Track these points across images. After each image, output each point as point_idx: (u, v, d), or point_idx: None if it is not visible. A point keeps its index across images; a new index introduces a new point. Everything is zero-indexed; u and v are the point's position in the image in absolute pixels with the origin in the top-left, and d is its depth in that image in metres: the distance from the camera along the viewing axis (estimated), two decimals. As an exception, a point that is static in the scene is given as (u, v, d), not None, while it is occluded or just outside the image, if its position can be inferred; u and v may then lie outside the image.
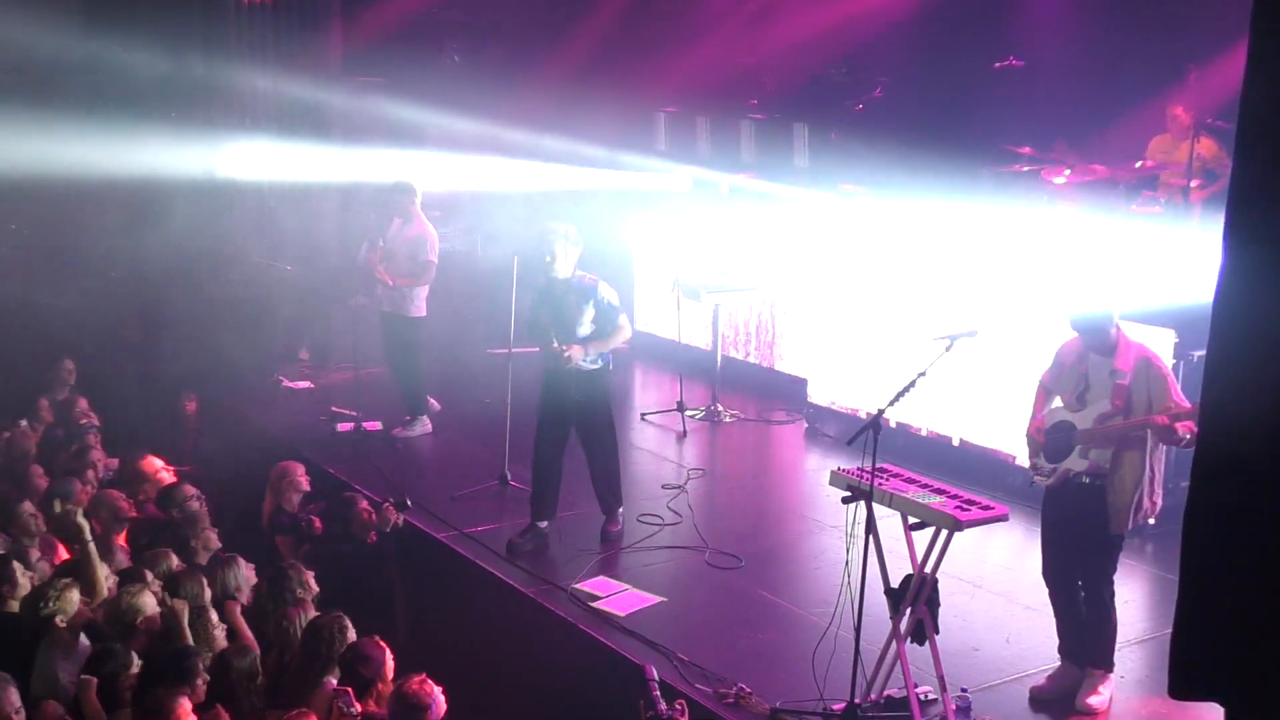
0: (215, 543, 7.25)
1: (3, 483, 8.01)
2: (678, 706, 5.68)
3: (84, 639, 5.84)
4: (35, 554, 6.75)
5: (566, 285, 7.85)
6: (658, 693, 5.83)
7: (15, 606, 6.00)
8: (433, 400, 10.54)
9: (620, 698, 6.00)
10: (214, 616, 5.97)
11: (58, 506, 7.19)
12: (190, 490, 7.66)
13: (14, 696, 5.01)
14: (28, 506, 7.19)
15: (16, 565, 6.17)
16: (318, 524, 7.69)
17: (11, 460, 8.41)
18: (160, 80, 12.05)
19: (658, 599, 7.29)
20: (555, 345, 7.80)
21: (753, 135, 12.01)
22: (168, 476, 8.22)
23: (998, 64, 10.70)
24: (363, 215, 11.30)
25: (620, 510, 8.29)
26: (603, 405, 8.12)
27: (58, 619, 5.74)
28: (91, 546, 6.47)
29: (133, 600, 5.91)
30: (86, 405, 9.60)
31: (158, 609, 5.91)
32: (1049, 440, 6.19)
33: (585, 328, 7.86)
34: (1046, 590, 6.33)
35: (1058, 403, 6.28)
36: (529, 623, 7.29)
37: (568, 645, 6.96)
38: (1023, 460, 8.72)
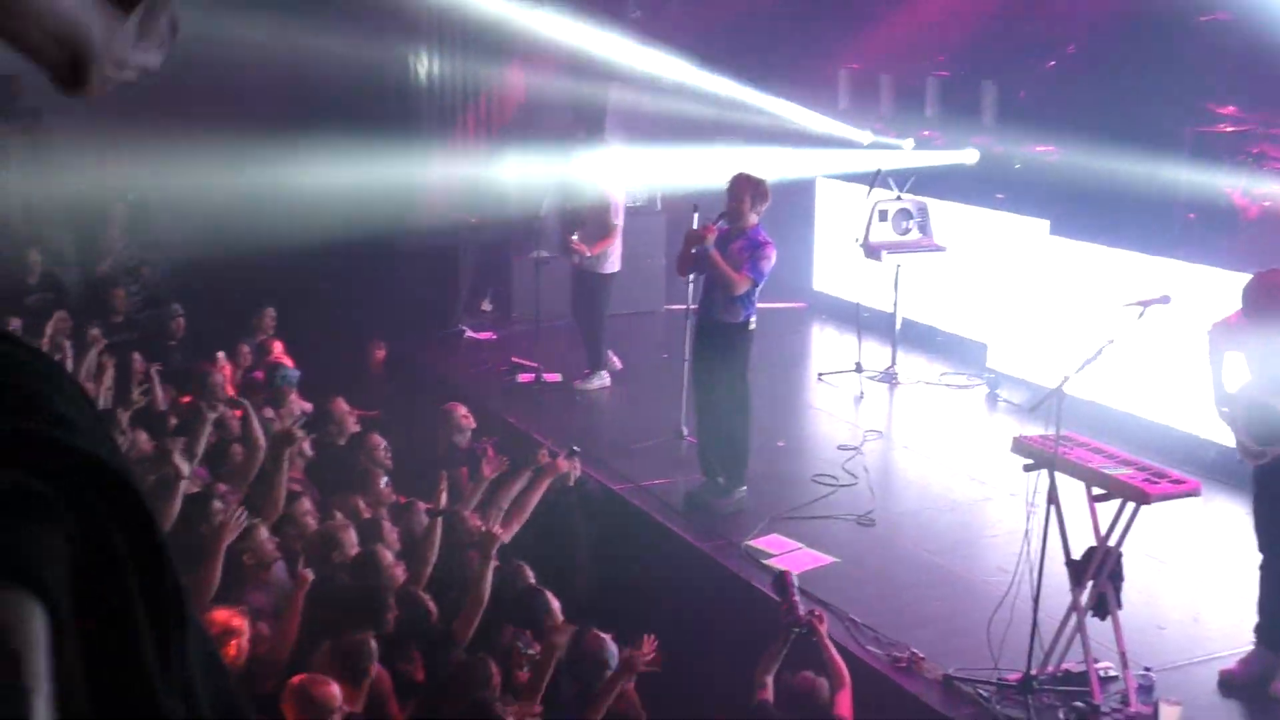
0: (389, 494, 7.46)
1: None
2: (816, 614, 5.76)
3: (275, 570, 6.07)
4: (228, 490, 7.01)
5: (742, 234, 7.79)
6: (797, 598, 5.93)
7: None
8: (614, 357, 10.64)
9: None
10: (389, 557, 6.15)
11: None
12: (377, 440, 7.91)
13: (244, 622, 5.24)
14: (237, 449, 7.48)
15: (216, 504, 6.40)
16: (490, 453, 7.79)
17: (205, 396, 8.74)
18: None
19: (830, 559, 7.27)
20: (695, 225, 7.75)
21: (938, 93, 11.72)
22: (354, 423, 8.49)
23: (1203, 16, 10.16)
24: (547, 168, 11.41)
25: (740, 490, 7.97)
26: (734, 364, 7.89)
27: (245, 556, 5.95)
28: (283, 485, 6.68)
29: (333, 535, 6.13)
30: (282, 349, 9.99)
31: (355, 547, 6.12)
32: (1253, 421, 5.88)
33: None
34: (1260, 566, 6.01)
35: (1242, 368, 5.97)
36: (701, 577, 7.35)
37: (739, 601, 7.00)
38: (1214, 437, 8.40)
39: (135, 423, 7.54)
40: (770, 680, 5.86)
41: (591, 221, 10.24)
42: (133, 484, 0.76)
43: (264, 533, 6.02)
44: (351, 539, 6.17)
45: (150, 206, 12.10)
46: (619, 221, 10.24)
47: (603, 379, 10.50)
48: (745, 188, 7.78)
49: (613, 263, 10.33)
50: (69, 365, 8.14)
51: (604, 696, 5.37)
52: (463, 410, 8.53)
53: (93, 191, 11.85)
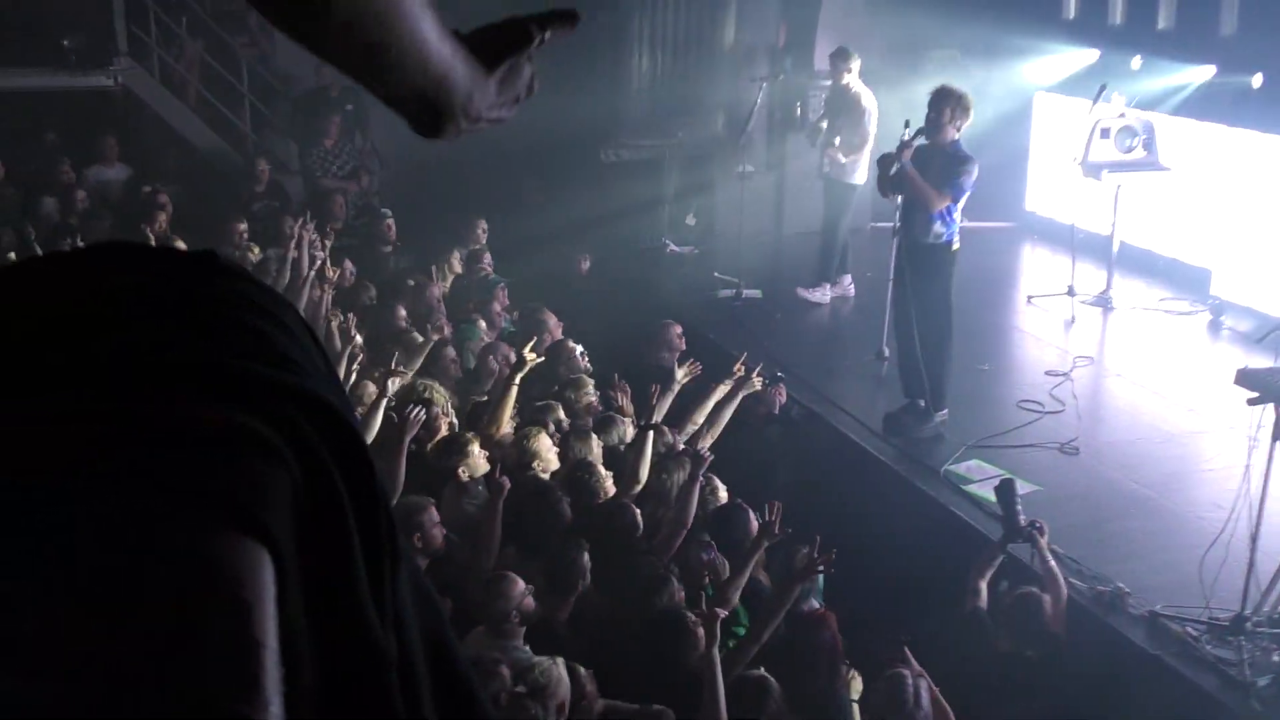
0: (596, 406, 7.54)
1: (416, 326, 8.65)
2: (1037, 524, 5.72)
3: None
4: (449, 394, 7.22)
5: (942, 150, 7.57)
6: (1020, 507, 5.90)
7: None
8: (848, 281, 10.52)
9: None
10: (600, 470, 6.27)
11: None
12: (573, 347, 8.03)
13: (434, 513, 5.44)
14: (450, 352, 7.70)
15: (440, 414, 6.59)
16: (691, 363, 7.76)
17: (419, 305, 9.01)
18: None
19: (1033, 487, 7.09)
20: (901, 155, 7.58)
21: (1173, 2, 11.07)
22: (559, 332, 8.63)
23: None
24: (751, 84, 11.27)
25: (941, 414, 7.80)
26: (936, 285, 7.67)
27: (460, 470, 6.11)
28: (507, 408, 6.72)
29: (529, 444, 6.27)
30: (489, 260, 10.22)
31: (553, 454, 6.25)
32: None
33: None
34: None
35: None
36: (899, 501, 7.28)
37: (938, 526, 6.92)
38: None
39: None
40: (984, 586, 5.84)
41: (847, 130, 10.08)
42: (354, 427, 0.78)
43: (476, 448, 6.16)
44: (550, 449, 6.27)
45: (367, 115, 12.47)
46: (873, 128, 10.07)
47: (824, 291, 10.42)
48: (947, 100, 7.52)
49: (859, 173, 10.18)
50: (298, 271, 8.52)
51: (744, 566, 5.46)
52: (678, 329, 8.58)
53: (313, 102, 12.28)
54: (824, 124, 10.53)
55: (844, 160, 10.16)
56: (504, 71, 1.04)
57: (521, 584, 4.86)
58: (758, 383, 7.56)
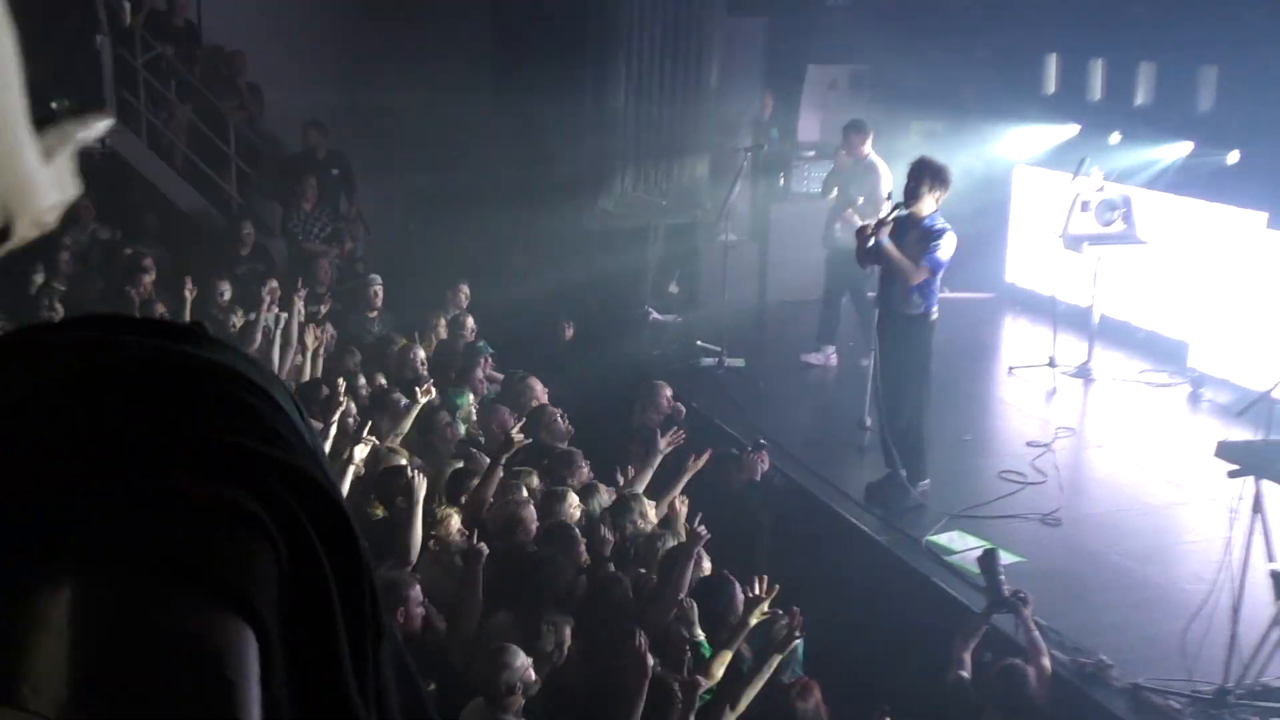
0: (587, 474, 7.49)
1: (397, 391, 8.61)
2: (1020, 594, 5.71)
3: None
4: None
5: (919, 222, 7.61)
6: (1003, 576, 5.88)
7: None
8: (830, 351, 10.63)
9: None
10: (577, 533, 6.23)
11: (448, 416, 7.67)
12: (554, 411, 8.01)
13: (418, 591, 5.39)
14: (444, 417, 7.65)
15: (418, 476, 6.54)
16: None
17: (401, 370, 8.98)
18: (555, 23, 12.56)
19: (1016, 558, 7.08)
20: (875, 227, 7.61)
21: (1152, 79, 11.24)
22: (544, 398, 8.62)
23: None
24: (735, 155, 11.39)
25: (923, 484, 7.82)
26: (914, 355, 7.70)
27: (430, 543, 6.02)
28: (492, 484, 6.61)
29: (514, 513, 6.22)
30: (473, 324, 10.21)
31: (534, 524, 6.19)
32: None
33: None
34: None
35: None
36: (881, 571, 7.26)
37: (919, 597, 6.89)
38: None
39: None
40: (968, 658, 5.81)
41: (865, 200, 10.14)
42: (339, 501, 0.78)
43: (455, 523, 6.09)
44: (531, 515, 6.23)
45: (354, 180, 12.55)
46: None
47: (824, 355, 10.57)
48: (925, 172, 7.57)
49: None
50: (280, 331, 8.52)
51: (733, 640, 5.45)
52: (668, 391, 8.60)
53: (298, 164, 12.36)
54: (833, 195, 10.60)
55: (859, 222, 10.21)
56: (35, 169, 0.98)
57: (524, 656, 4.81)
58: (750, 462, 7.65)
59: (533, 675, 4.80)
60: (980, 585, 6.26)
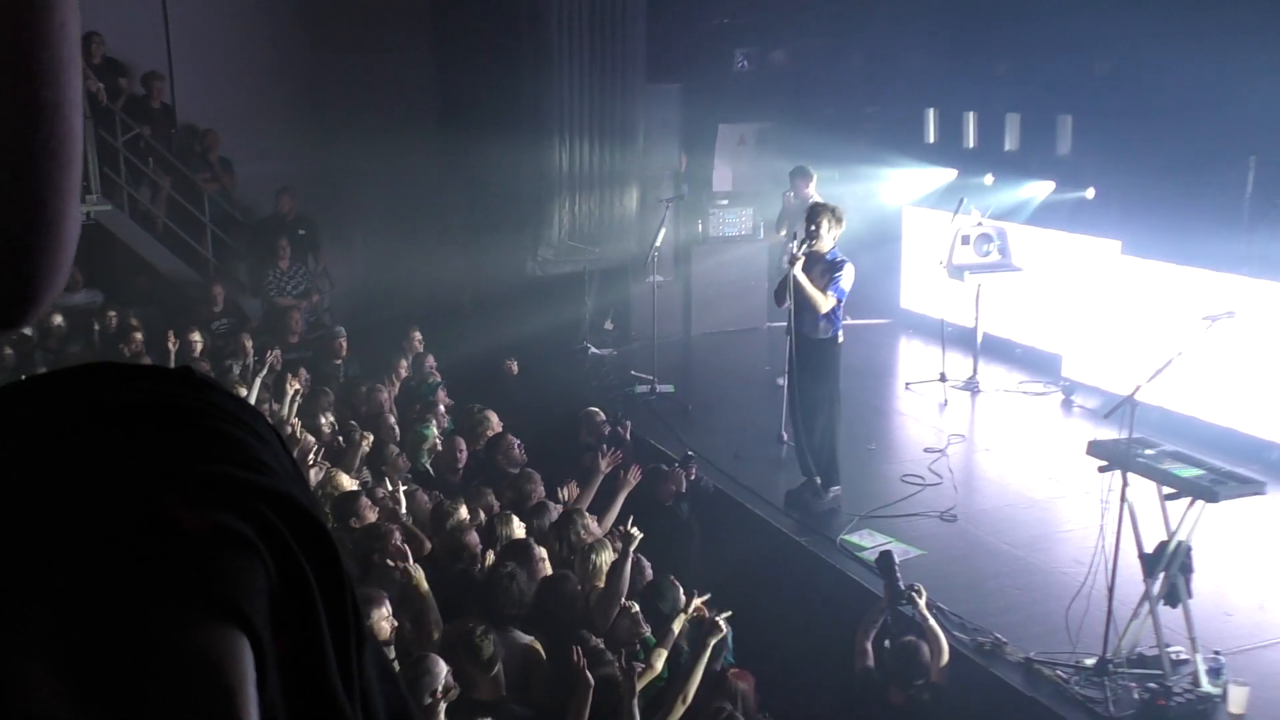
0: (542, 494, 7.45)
1: (367, 428, 8.54)
2: (915, 587, 5.75)
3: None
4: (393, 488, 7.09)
5: (821, 258, 7.72)
6: (899, 573, 5.92)
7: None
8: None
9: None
10: (541, 552, 6.17)
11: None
12: (511, 440, 7.98)
13: (387, 607, 5.29)
14: (394, 449, 7.59)
15: (364, 500, 6.46)
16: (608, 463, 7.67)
17: (371, 409, 8.93)
18: (494, 94, 12.58)
19: (918, 552, 7.13)
20: (788, 243, 7.70)
21: (1017, 127, 11.45)
22: (497, 426, 8.57)
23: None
24: (658, 205, 11.43)
25: (835, 489, 7.85)
26: (825, 375, 7.78)
27: (374, 556, 5.87)
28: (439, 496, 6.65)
29: (461, 537, 6.15)
30: (433, 362, 10.15)
31: (477, 545, 6.11)
32: None
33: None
34: None
35: None
36: (801, 568, 7.27)
37: (835, 589, 6.91)
38: (1277, 438, 8.07)
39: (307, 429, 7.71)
40: (870, 647, 5.82)
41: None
42: (319, 520, 0.78)
43: (397, 536, 5.97)
44: (473, 540, 6.13)
45: (319, 239, 12.44)
46: None
47: None
48: (823, 214, 7.72)
49: None
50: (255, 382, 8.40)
51: (667, 635, 5.43)
52: (600, 415, 8.60)
53: (269, 227, 12.24)
54: (783, 232, 10.65)
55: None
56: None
57: (444, 664, 4.72)
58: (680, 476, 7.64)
59: (452, 682, 4.68)
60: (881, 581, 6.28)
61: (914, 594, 5.88)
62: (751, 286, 12.52)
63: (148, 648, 0.64)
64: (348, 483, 6.77)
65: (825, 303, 7.57)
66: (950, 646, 5.79)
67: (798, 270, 7.63)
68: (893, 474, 8.39)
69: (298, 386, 8.45)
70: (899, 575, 6.06)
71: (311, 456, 6.94)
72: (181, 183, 12.11)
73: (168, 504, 0.69)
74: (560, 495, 7.11)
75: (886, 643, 5.88)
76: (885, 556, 6.26)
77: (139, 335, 9.70)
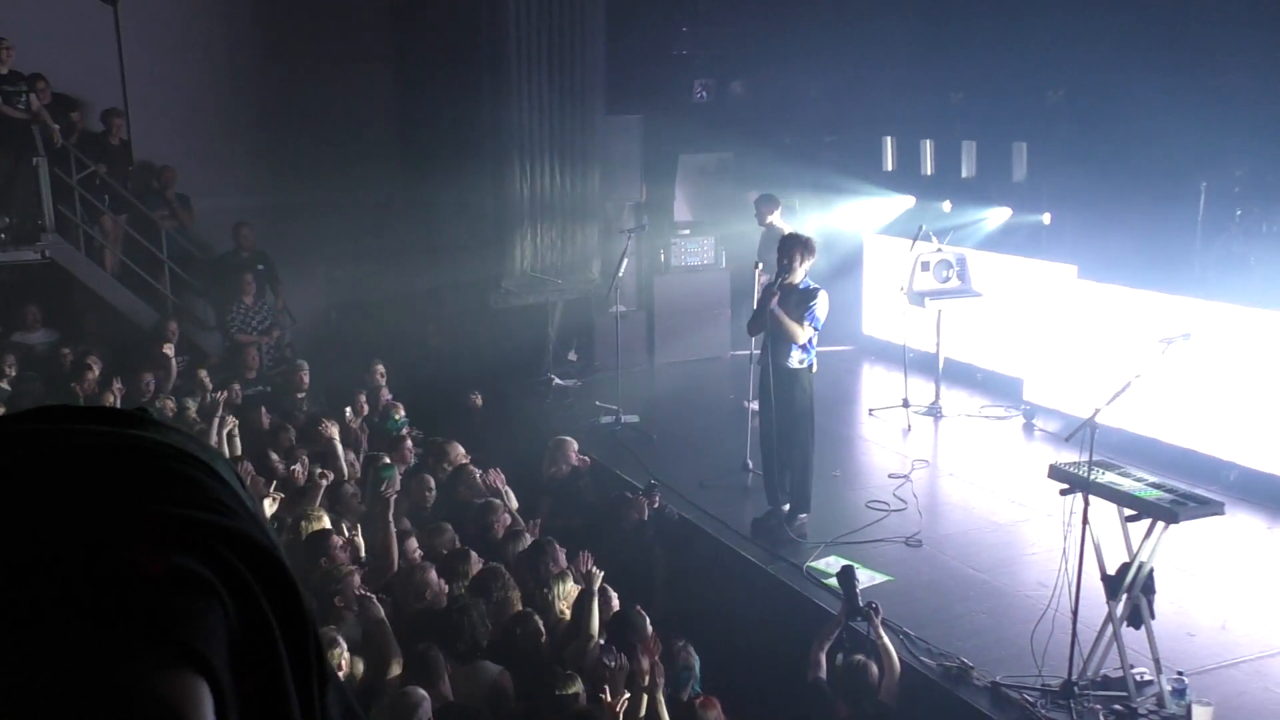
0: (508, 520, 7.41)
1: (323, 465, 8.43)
2: (872, 605, 5.80)
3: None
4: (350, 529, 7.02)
5: (795, 289, 7.79)
6: (858, 590, 5.98)
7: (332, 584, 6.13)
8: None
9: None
10: (511, 583, 6.13)
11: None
12: (472, 470, 7.92)
13: (342, 644, 5.24)
14: (349, 488, 7.52)
15: (335, 539, 6.41)
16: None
17: (324, 446, 8.78)
18: (455, 126, 12.60)
19: (885, 578, 7.16)
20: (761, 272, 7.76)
21: (973, 155, 11.60)
22: (463, 459, 8.51)
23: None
24: (620, 236, 11.47)
25: (802, 516, 7.92)
26: (800, 403, 7.83)
27: (336, 599, 5.88)
28: (392, 529, 6.54)
29: (413, 573, 6.09)
30: (391, 399, 10.07)
31: (434, 586, 6.05)
32: None
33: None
34: None
35: None
36: (768, 596, 7.27)
37: (802, 616, 6.91)
38: (1235, 459, 8.18)
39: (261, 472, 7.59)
40: (824, 659, 5.87)
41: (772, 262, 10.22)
42: (280, 559, 0.78)
43: (356, 580, 5.93)
44: (433, 579, 6.08)
45: (277, 274, 12.37)
46: None
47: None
48: (795, 245, 7.79)
49: None
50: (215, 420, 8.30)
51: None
52: (574, 446, 8.58)
53: (226, 263, 12.17)
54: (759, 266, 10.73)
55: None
56: None
57: (423, 692, 4.70)
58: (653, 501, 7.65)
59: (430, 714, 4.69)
60: (840, 596, 6.33)
61: (870, 611, 5.94)
62: (714, 315, 12.57)
63: (106, 693, 0.64)
64: (319, 523, 6.70)
65: (804, 333, 7.66)
66: (915, 670, 5.82)
67: (776, 305, 7.70)
68: (858, 500, 8.43)
69: (234, 422, 8.39)
70: (858, 592, 6.12)
71: (269, 501, 6.84)
72: (138, 219, 12.02)
73: (125, 548, 0.69)
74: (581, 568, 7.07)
75: (840, 657, 5.92)
76: (847, 571, 6.34)
77: (91, 374, 9.56)
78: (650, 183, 12.87)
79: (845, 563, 6.73)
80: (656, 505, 7.89)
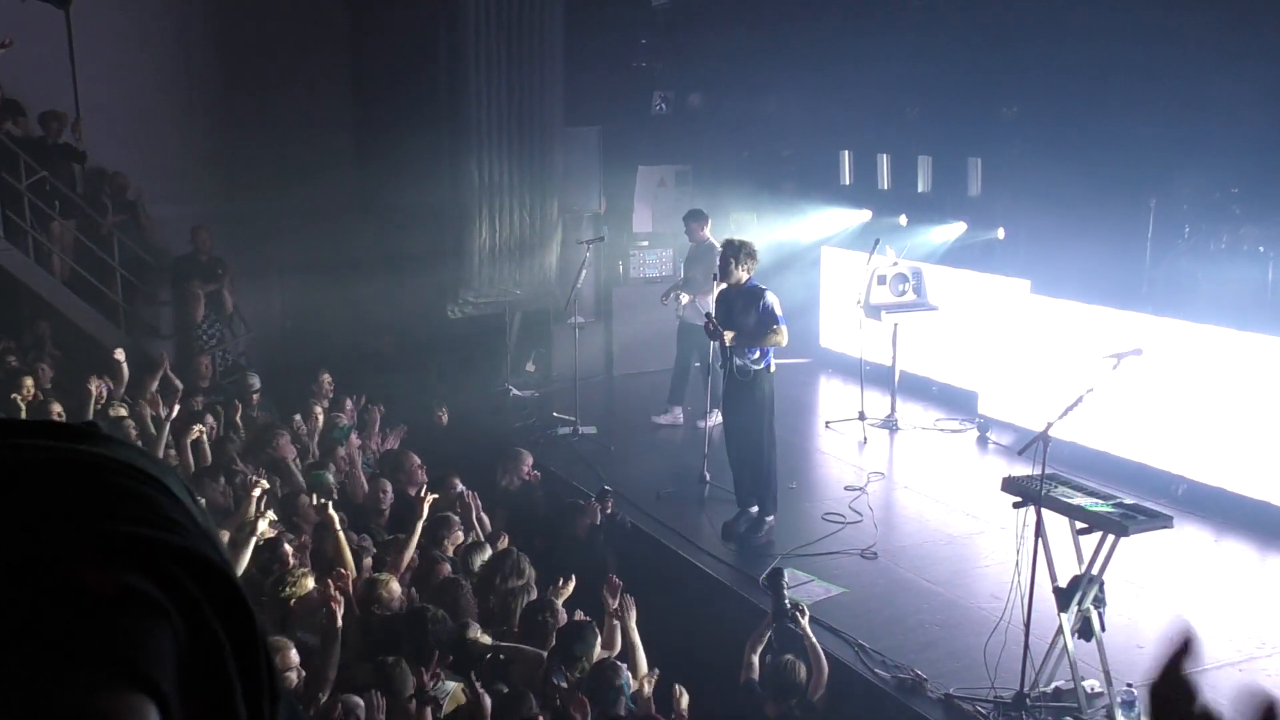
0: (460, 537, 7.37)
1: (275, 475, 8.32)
2: (800, 606, 5.86)
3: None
4: (305, 539, 6.94)
5: (740, 290, 7.89)
6: (786, 591, 6.05)
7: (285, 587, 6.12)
8: (677, 410, 10.76)
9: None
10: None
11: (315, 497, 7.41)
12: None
13: (293, 655, 5.19)
14: (304, 500, 7.44)
15: (288, 547, 6.35)
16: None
17: (275, 455, 8.68)
18: (412, 135, 12.54)
19: (840, 590, 7.19)
20: (712, 325, 7.91)
21: (929, 170, 11.72)
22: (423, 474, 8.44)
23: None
24: (578, 247, 11.46)
25: (769, 518, 8.04)
26: (760, 404, 7.97)
27: (292, 601, 5.87)
28: (341, 536, 6.47)
29: (381, 588, 6.05)
30: (349, 406, 9.97)
31: (396, 598, 6.02)
32: None
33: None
34: None
35: None
36: (724, 607, 7.28)
37: (755, 625, 6.91)
38: (1184, 472, 8.30)
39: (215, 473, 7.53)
40: (756, 660, 5.93)
41: (701, 277, 10.21)
42: (231, 577, 0.77)
43: (310, 582, 5.91)
44: (394, 590, 6.04)
45: (236, 280, 12.24)
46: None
47: (675, 415, 10.67)
48: (733, 250, 8.03)
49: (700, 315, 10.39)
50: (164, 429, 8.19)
51: None
52: (529, 459, 8.57)
53: (183, 267, 12.03)
54: (671, 295, 10.80)
55: (688, 301, 10.44)
56: None
57: (357, 699, 4.67)
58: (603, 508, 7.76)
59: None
60: (769, 595, 6.40)
61: (797, 613, 6.01)
62: (673, 327, 12.57)
63: (51, 717, 0.63)
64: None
65: (781, 336, 7.83)
66: (869, 682, 5.85)
67: (729, 338, 7.83)
68: (814, 512, 8.47)
69: (198, 431, 8.29)
70: (785, 593, 6.20)
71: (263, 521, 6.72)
72: (89, 225, 11.84)
73: (72, 566, 0.68)
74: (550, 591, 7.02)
75: (769, 658, 5.97)
76: (774, 573, 6.49)
77: (30, 381, 9.36)
78: (609, 194, 12.88)
79: (806, 584, 6.80)
80: (609, 511, 7.89)
